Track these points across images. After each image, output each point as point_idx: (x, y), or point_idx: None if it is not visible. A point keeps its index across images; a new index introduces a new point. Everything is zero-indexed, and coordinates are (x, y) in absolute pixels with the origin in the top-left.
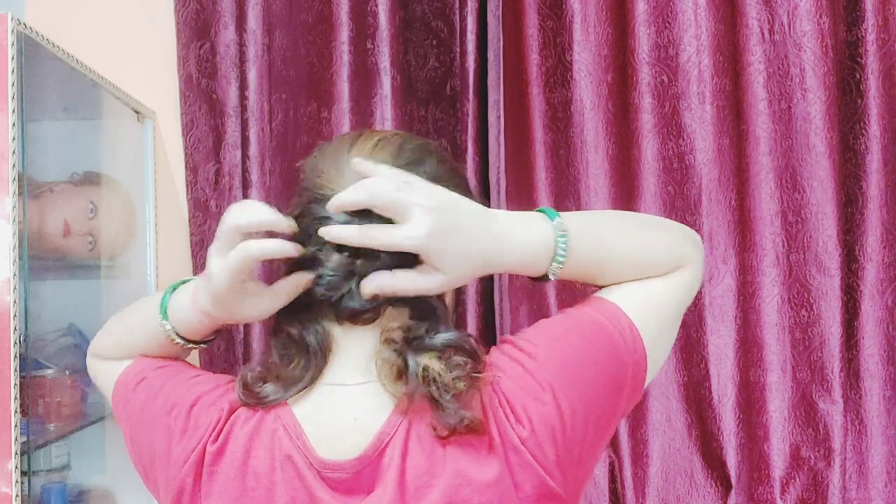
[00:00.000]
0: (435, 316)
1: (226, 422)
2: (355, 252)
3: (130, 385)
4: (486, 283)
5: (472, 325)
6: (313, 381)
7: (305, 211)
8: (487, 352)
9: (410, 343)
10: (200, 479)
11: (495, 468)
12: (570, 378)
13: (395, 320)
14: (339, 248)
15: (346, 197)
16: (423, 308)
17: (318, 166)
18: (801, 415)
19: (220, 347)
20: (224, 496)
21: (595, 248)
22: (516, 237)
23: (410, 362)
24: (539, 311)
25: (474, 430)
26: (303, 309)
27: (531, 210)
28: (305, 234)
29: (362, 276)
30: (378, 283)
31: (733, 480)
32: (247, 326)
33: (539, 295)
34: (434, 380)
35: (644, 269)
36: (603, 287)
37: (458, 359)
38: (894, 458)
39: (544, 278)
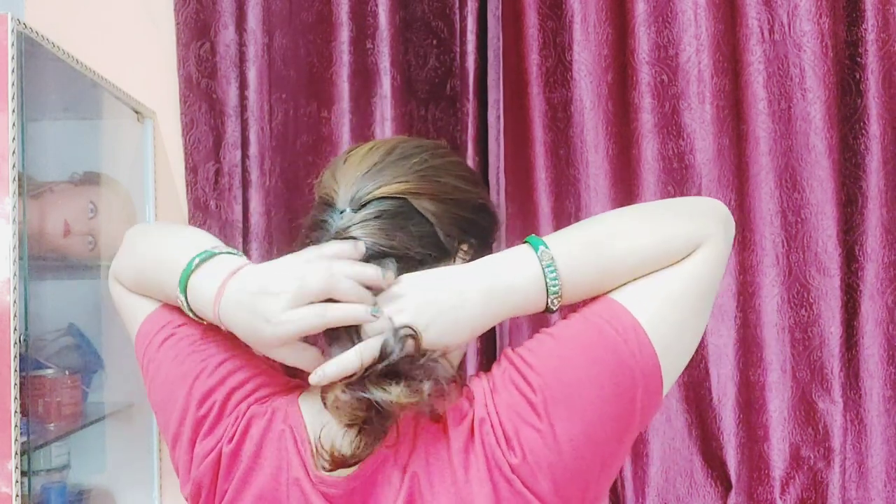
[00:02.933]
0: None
1: (241, 420)
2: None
3: (156, 341)
4: None
5: (471, 343)
6: None
7: (309, 219)
8: (485, 371)
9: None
10: (217, 479)
11: (481, 499)
12: (570, 404)
13: None
14: (330, 241)
15: (334, 370)
16: None
17: (321, 177)
18: (801, 415)
19: None
20: (233, 495)
21: (593, 264)
22: (500, 288)
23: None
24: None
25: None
26: None
27: (532, 201)
28: (304, 237)
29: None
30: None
31: (733, 480)
32: None
33: None
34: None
35: (658, 263)
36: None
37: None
38: (894, 458)
39: (549, 310)
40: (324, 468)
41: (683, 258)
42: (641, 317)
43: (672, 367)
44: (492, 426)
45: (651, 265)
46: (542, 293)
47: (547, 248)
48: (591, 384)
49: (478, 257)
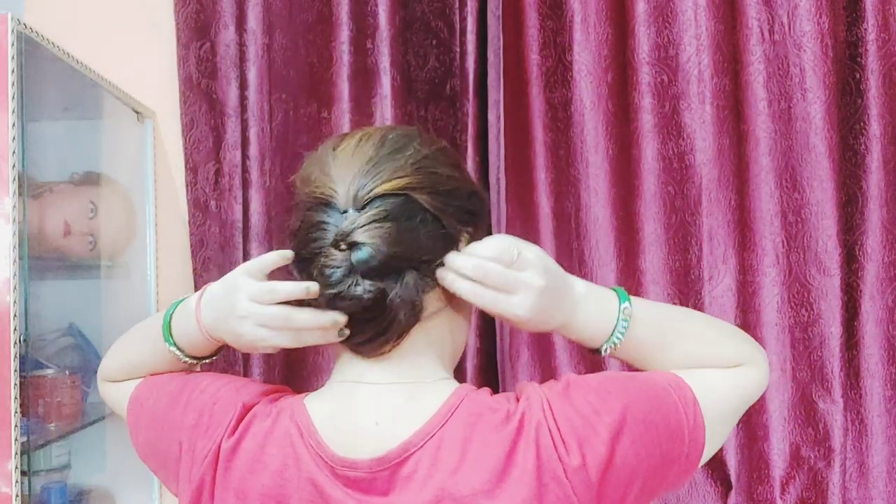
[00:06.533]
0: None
1: (241, 419)
2: (350, 246)
3: (149, 396)
4: None
5: (471, 341)
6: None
7: (304, 219)
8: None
9: None
10: (216, 474)
11: (519, 498)
12: (629, 431)
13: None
14: (336, 244)
15: (460, 263)
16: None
17: (307, 174)
18: (801, 414)
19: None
20: (237, 492)
21: (654, 337)
22: (583, 313)
23: None
24: None
25: None
26: None
27: (532, 201)
28: (304, 241)
29: (363, 272)
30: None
31: (733, 480)
32: None
33: None
34: None
35: (702, 361)
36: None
37: None
38: (894, 458)
39: (597, 352)
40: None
41: (727, 366)
42: (700, 397)
43: (706, 451)
44: (549, 430)
45: (696, 364)
46: (603, 337)
47: (630, 306)
48: (651, 427)
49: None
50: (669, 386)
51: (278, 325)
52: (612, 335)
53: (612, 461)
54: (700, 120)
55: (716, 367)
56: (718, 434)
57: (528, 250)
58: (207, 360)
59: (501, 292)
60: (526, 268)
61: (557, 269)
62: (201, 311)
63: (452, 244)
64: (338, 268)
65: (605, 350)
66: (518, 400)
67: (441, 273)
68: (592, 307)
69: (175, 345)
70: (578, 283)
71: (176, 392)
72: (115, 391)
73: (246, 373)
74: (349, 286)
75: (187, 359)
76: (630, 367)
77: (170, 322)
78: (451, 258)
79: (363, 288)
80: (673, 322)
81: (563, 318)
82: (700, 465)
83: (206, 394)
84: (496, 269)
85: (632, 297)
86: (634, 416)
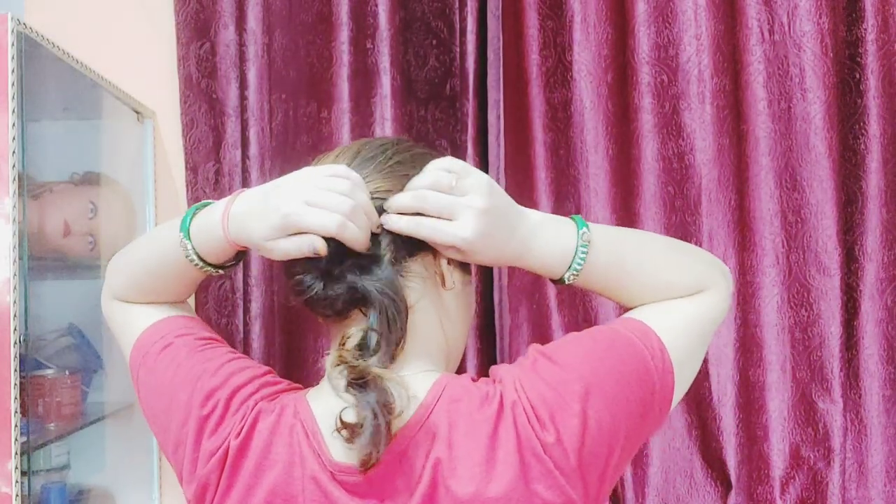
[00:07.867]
0: (394, 330)
1: (248, 416)
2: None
3: (154, 349)
4: (486, 283)
5: (471, 342)
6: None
7: None
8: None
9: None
10: (223, 474)
11: (507, 478)
12: (599, 393)
13: (358, 323)
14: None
15: (398, 200)
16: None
17: None
18: (801, 414)
19: None
20: (245, 490)
21: (616, 262)
22: (541, 240)
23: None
24: (539, 311)
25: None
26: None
27: (532, 201)
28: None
29: (333, 276)
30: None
31: (733, 480)
32: (247, 326)
33: (539, 294)
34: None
35: (665, 287)
36: (622, 303)
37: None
38: (894, 458)
39: (561, 282)
40: (346, 440)
41: (690, 294)
42: (663, 336)
43: (678, 389)
44: (524, 408)
45: (659, 290)
46: (566, 263)
47: (589, 230)
48: (621, 383)
49: None
50: (633, 334)
51: (342, 189)
52: (572, 262)
53: (586, 428)
54: (700, 120)
55: (678, 297)
56: (688, 372)
57: (472, 176)
58: (216, 270)
59: (443, 219)
60: (467, 192)
61: (506, 196)
62: (233, 203)
63: (421, 244)
64: (307, 273)
65: (568, 278)
66: (495, 382)
67: (384, 218)
68: (549, 235)
69: (190, 241)
70: (533, 213)
71: (186, 367)
72: (119, 317)
73: None
74: (319, 290)
75: (198, 261)
76: (621, 311)
77: (191, 219)
78: (390, 200)
79: (333, 289)
80: (634, 246)
81: (519, 245)
82: (672, 408)
83: (220, 378)
84: (434, 196)
85: (590, 224)
86: (602, 374)
